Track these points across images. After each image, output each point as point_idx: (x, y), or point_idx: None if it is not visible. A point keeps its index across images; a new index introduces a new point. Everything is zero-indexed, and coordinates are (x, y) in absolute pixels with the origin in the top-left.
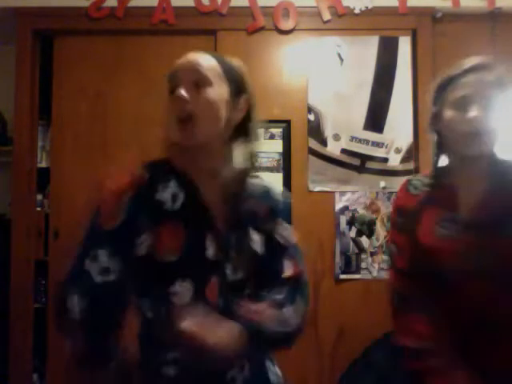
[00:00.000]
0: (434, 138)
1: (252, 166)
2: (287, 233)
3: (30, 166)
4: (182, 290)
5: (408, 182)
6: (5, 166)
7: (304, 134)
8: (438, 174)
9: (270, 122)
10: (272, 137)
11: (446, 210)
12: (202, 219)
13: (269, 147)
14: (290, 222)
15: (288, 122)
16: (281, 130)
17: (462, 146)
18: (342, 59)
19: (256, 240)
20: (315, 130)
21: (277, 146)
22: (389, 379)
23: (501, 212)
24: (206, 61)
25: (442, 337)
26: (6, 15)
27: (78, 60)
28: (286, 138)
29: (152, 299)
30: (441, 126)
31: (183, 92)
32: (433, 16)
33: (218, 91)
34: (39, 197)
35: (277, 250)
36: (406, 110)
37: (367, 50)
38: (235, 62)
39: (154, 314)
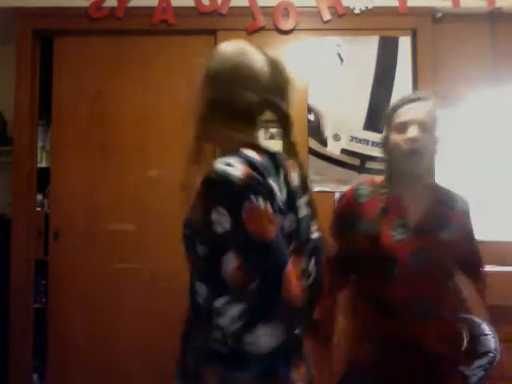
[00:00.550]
0: (385, 158)
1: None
2: None
3: (30, 166)
4: None
5: (355, 190)
6: (5, 165)
7: (304, 133)
8: (391, 187)
9: (270, 121)
10: (272, 137)
11: (398, 217)
12: None
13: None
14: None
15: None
16: (281, 129)
17: (404, 163)
18: (341, 59)
19: None
20: (315, 130)
21: (277, 146)
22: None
23: (436, 223)
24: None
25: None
26: (6, 15)
27: (78, 60)
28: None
29: None
30: (388, 148)
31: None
32: (433, 16)
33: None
34: (39, 197)
35: None
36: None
37: (367, 50)
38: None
39: None
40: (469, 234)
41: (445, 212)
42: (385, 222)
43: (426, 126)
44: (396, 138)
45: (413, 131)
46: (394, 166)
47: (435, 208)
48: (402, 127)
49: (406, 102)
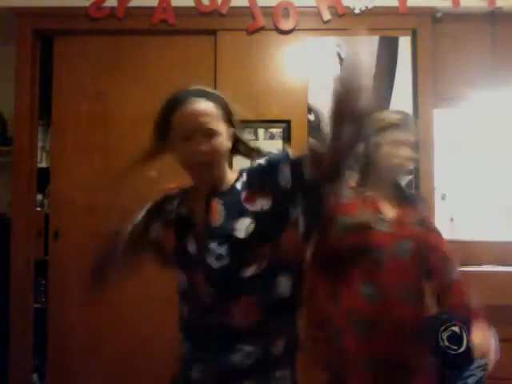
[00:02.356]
0: (367, 162)
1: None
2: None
3: (30, 166)
4: (181, 278)
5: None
6: (5, 166)
7: (304, 134)
8: (368, 188)
9: (270, 121)
10: (272, 137)
11: (378, 213)
12: (184, 225)
13: (269, 147)
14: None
15: (288, 122)
16: (281, 129)
17: (393, 173)
18: (342, 59)
19: (240, 226)
20: (315, 130)
21: (277, 146)
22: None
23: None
24: (210, 113)
25: None
26: (6, 15)
27: (78, 60)
28: (286, 138)
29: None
30: (374, 154)
31: (201, 147)
32: (433, 16)
33: (223, 136)
34: (39, 197)
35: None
36: (405, 110)
37: (367, 49)
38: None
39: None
40: (435, 228)
41: (413, 207)
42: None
43: (416, 147)
44: (389, 150)
45: (407, 151)
46: (376, 170)
47: (405, 204)
48: (397, 144)
49: (402, 125)
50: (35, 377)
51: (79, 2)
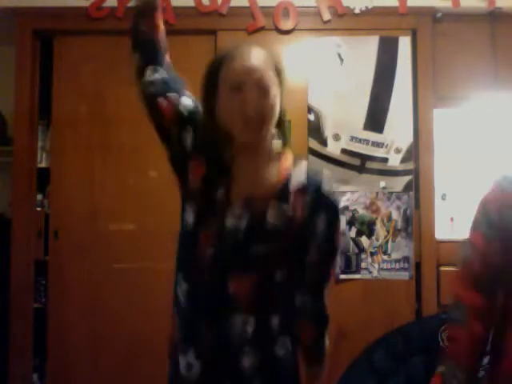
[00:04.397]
0: None
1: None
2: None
3: (29, 166)
4: (187, 227)
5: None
6: (5, 165)
7: (304, 133)
8: None
9: None
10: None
11: None
12: (220, 169)
13: None
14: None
15: (288, 122)
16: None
17: None
18: (341, 59)
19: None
20: (315, 130)
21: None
22: (388, 379)
23: None
24: (267, 68)
25: None
26: (6, 15)
27: (78, 60)
28: None
29: None
30: None
31: (254, 99)
32: (433, 16)
33: (276, 98)
34: (39, 197)
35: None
36: (406, 110)
37: (367, 50)
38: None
39: None
40: None
41: None
42: None
43: None
44: None
45: None
46: None
47: None
48: None
49: None
50: (35, 377)
51: (79, 2)
